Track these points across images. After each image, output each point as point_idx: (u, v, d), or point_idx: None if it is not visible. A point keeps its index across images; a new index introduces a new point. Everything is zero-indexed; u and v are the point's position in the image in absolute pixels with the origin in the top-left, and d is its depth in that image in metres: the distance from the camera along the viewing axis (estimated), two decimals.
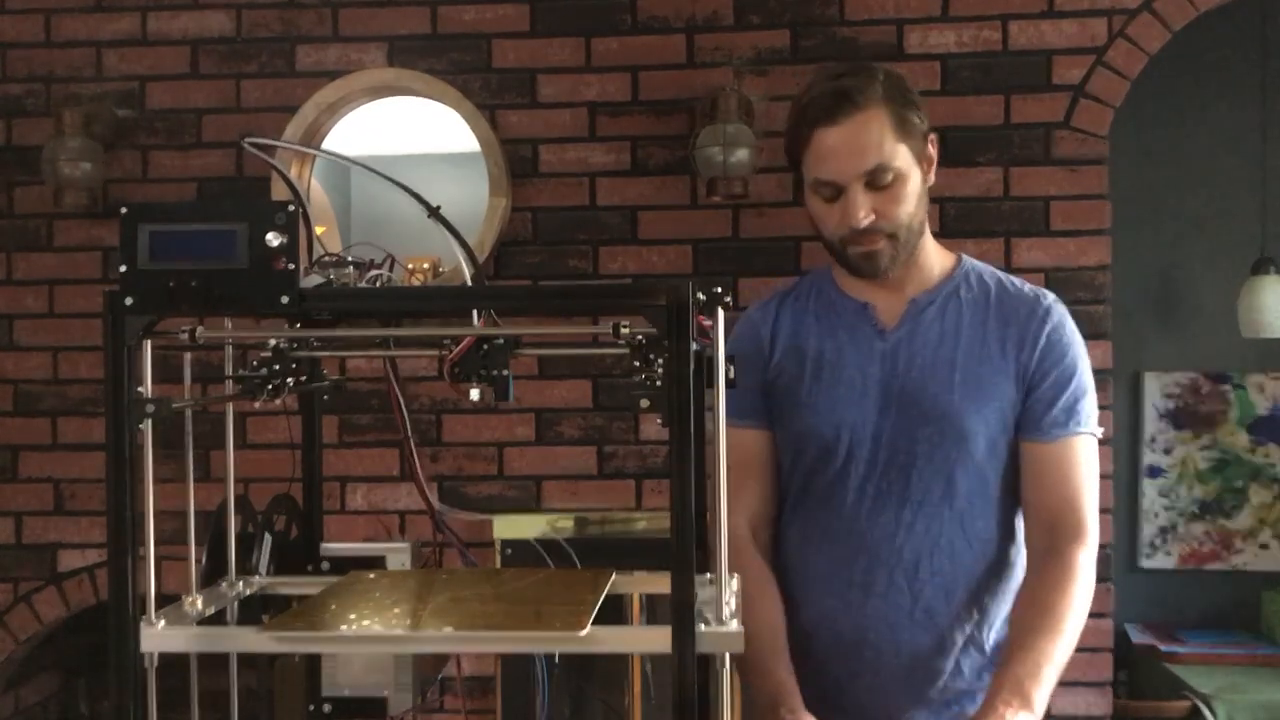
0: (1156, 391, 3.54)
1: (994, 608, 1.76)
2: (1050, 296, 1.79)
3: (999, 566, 1.76)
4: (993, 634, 1.76)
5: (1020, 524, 1.79)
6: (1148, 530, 3.54)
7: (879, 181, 1.67)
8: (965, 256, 1.84)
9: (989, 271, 1.82)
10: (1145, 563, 3.53)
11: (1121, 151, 3.14)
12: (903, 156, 1.69)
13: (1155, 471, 3.56)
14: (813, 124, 1.69)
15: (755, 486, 1.81)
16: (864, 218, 1.68)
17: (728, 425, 1.78)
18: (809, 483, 1.79)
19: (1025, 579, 1.74)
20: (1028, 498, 1.76)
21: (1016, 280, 1.82)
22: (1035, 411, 1.73)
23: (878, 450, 1.73)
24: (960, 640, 1.74)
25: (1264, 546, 3.53)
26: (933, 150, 1.75)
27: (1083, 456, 1.73)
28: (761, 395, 1.81)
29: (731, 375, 1.31)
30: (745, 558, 1.74)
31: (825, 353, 1.79)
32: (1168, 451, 3.55)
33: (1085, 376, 1.76)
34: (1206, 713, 2.88)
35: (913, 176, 1.70)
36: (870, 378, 1.75)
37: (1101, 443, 2.80)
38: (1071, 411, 1.73)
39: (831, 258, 1.80)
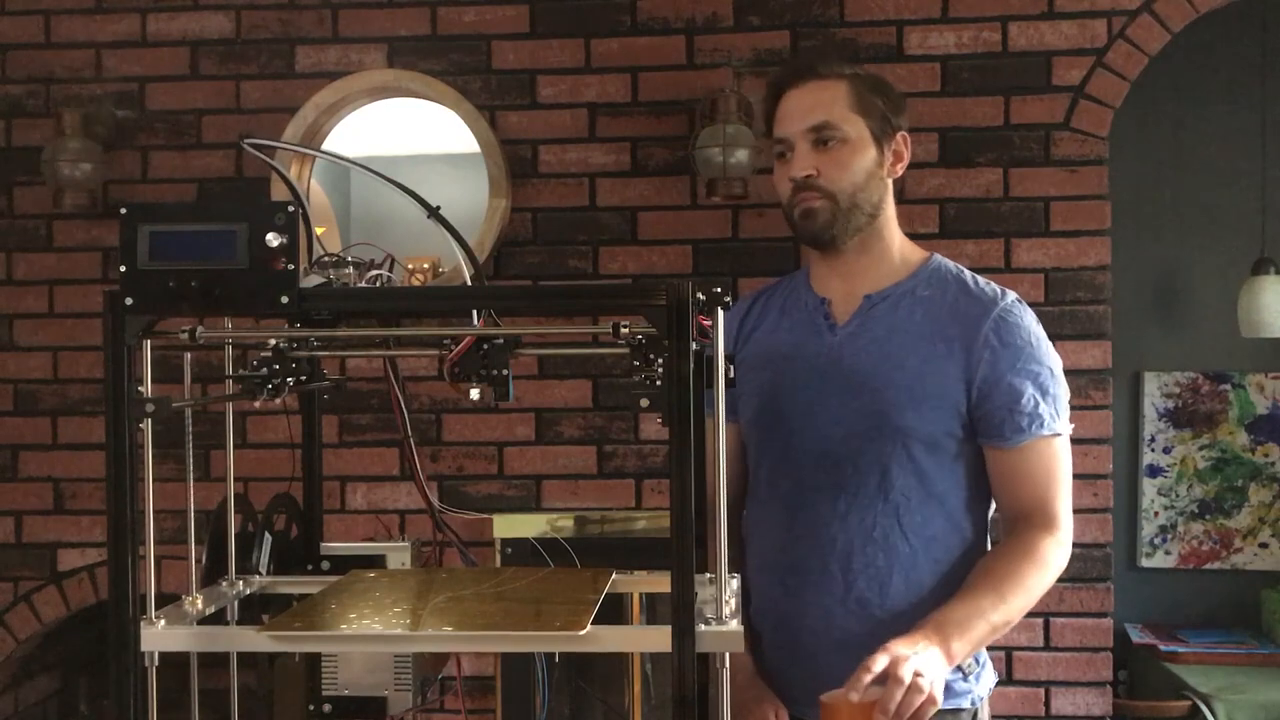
0: (1156, 391, 3.54)
1: (937, 605, 1.71)
2: (1010, 298, 1.78)
3: (942, 564, 1.75)
4: None
5: (971, 524, 1.78)
6: (1148, 530, 3.54)
7: (824, 139, 1.75)
8: (937, 256, 1.85)
9: (955, 272, 1.82)
10: (1145, 562, 3.53)
11: (1121, 151, 3.14)
12: (855, 127, 1.76)
13: (1155, 471, 3.56)
14: (777, 91, 1.81)
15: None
16: (802, 169, 1.75)
17: (704, 415, 1.83)
18: (759, 471, 1.84)
19: (988, 553, 1.76)
20: (999, 501, 1.78)
21: (982, 281, 1.81)
22: (995, 418, 1.72)
23: (819, 441, 1.76)
24: (898, 635, 1.67)
25: (1264, 546, 3.53)
26: (903, 149, 1.81)
27: (1049, 459, 1.73)
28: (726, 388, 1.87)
29: (731, 375, 1.32)
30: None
31: (782, 345, 1.84)
32: (1167, 451, 3.55)
33: (1044, 378, 1.73)
34: (1206, 712, 2.88)
35: (864, 151, 1.76)
36: (815, 371, 1.78)
37: (1101, 442, 2.85)
38: (1033, 416, 1.71)
39: (790, 230, 1.85)
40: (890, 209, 1.82)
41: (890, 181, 1.81)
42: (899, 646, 1.53)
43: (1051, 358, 1.77)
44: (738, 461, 1.90)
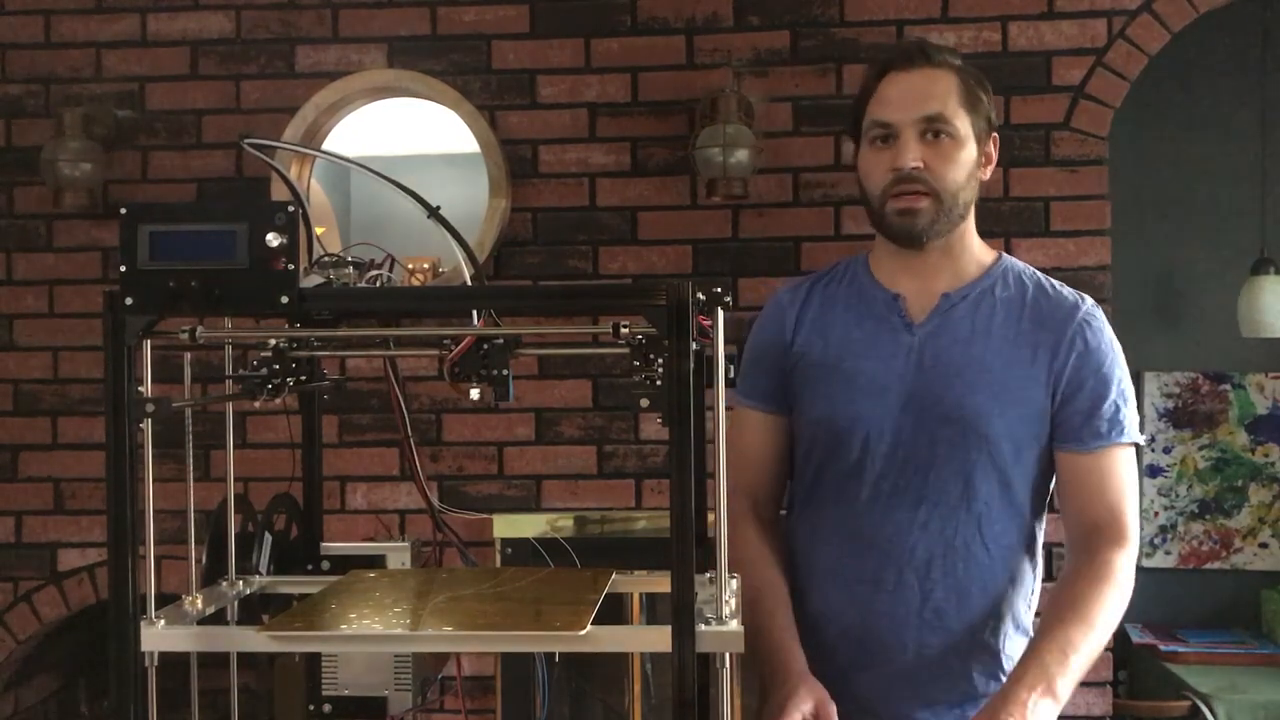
0: (1156, 391, 3.54)
1: (1010, 616, 1.72)
2: (1089, 301, 1.74)
3: (1017, 574, 1.73)
4: (1007, 642, 1.72)
5: (1039, 532, 1.76)
6: (1148, 530, 3.54)
7: (934, 132, 1.66)
8: (1005, 254, 1.79)
9: (1029, 272, 1.77)
10: (1145, 562, 3.53)
11: (1121, 151, 3.14)
12: (964, 124, 1.68)
13: (1155, 471, 3.56)
14: (885, 70, 1.71)
15: (758, 465, 1.80)
16: (912, 160, 1.65)
17: (741, 405, 1.81)
18: (822, 474, 1.76)
19: (1062, 577, 1.72)
20: (1068, 507, 1.73)
21: (1056, 283, 1.76)
22: (1074, 422, 1.69)
23: (896, 447, 1.69)
24: (972, 645, 1.70)
25: (1264, 546, 3.53)
26: (993, 151, 1.75)
27: (1124, 466, 1.69)
28: (778, 381, 1.79)
29: (731, 374, 1.31)
30: (743, 526, 1.74)
31: (849, 342, 1.75)
32: (1167, 451, 3.55)
33: (1125, 384, 1.70)
34: (1206, 712, 2.88)
35: (968, 148, 1.69)
36: (893, 372, 1.71)
37: None
38: (1113, 421, 1.68)
39: (871, 222, 1.75)
40: (972, 210, 1.75)
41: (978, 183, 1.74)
42: (1015, 712, 1.53)
43: (1125, 366, 1.73)
44: (779, 459, 1.82)
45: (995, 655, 1.72)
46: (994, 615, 1.71)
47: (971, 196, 1.71)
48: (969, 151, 1.69)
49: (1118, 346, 1.73)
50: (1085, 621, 1.62)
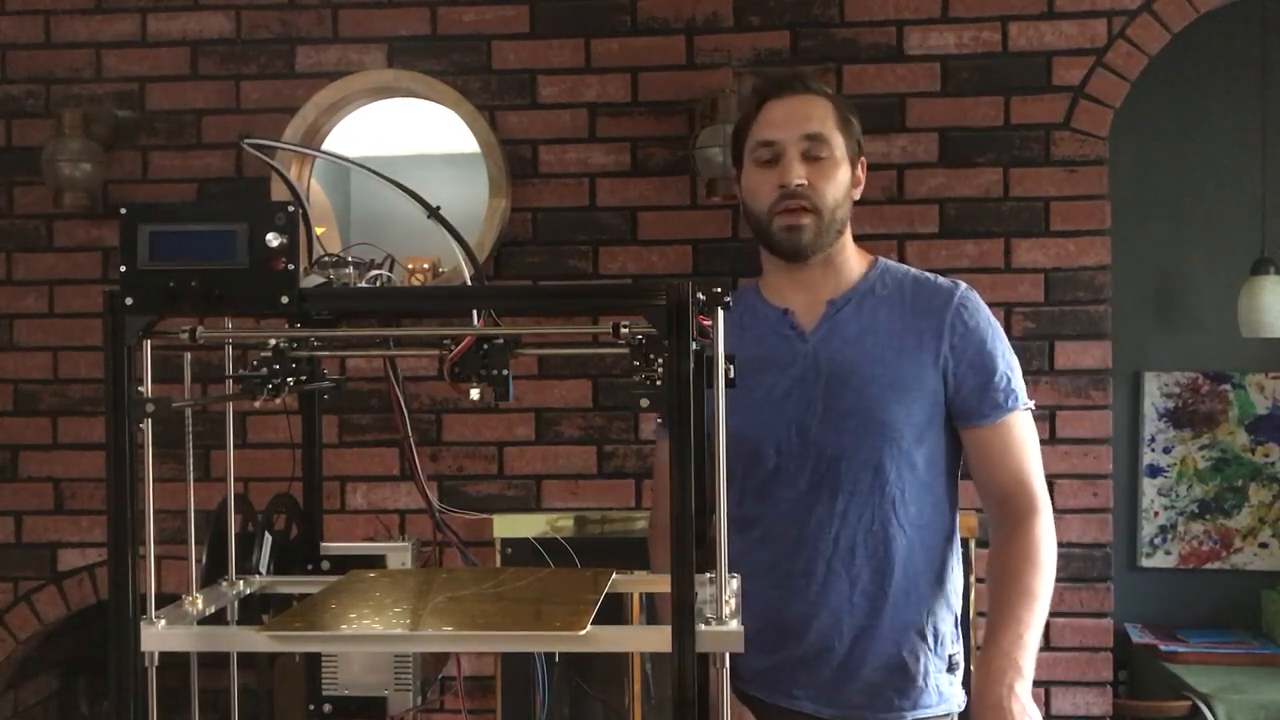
0: (1156, 391, 3.54)
1: (931, 591, 1.82)
2: (963, 286, 1.87)
3: (933, 550, 1.83)
4: (935, 619, 1.82)
5: (949, 507, 1.86)
6: (1148, 530, 3.54)
7: (815, 152, 1.80)
8: (881, 258, 1.92)
9: (904, 270, 1.90)
10: (1145, 562, 3.53)
11: (1121, 152, 3.14)
12: (840, 146, 1.82)
13: (1155, 471, 3.56)
14: (764, 97, 1.86)
15: None
16: (796, 178, 1.78)
17: (657, 436, 1.93)
18: (745, 483, 1.85)
19: (991, 555, 1.83)
20: (978, 478, 1.85)
21: (931, 275, 1.90)
22: (972, 399, 1.81)
23: (807, 448, 1.80)
24: (899, 623, 1.80)
25: (1263, 546, 3.53)
26: (862, 174, 1.88)
27: (1023, 432, 1.82)
28: None
29: (731, 375, 1.32)
30: (664, 544, 1.81)
31: (749, 360, 1.84)
32: (1167, 451, 3.55)
33: (1009, 356, 1.84)
34: (1206, 712, 2.88)
35: (844, 169, 1.83)
36: (793, 379, 1.82)
37: (1101, 443, 2.86)
38: (1007, 392, 1.81)
39: (758, 240, 1.89)
40: (849, 225, 1.89)
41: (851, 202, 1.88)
42: (1007, 703, 1.64)
43: (1005, 340, 1.87)
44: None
45: (930, 633, 1.81)
46: (916, 592, 1.81)
47: (847, 214, 1.86)
48: (845, 171, 1.83)
49: (995, 322, 1.86)
50: (1029, 595, 1.74)
